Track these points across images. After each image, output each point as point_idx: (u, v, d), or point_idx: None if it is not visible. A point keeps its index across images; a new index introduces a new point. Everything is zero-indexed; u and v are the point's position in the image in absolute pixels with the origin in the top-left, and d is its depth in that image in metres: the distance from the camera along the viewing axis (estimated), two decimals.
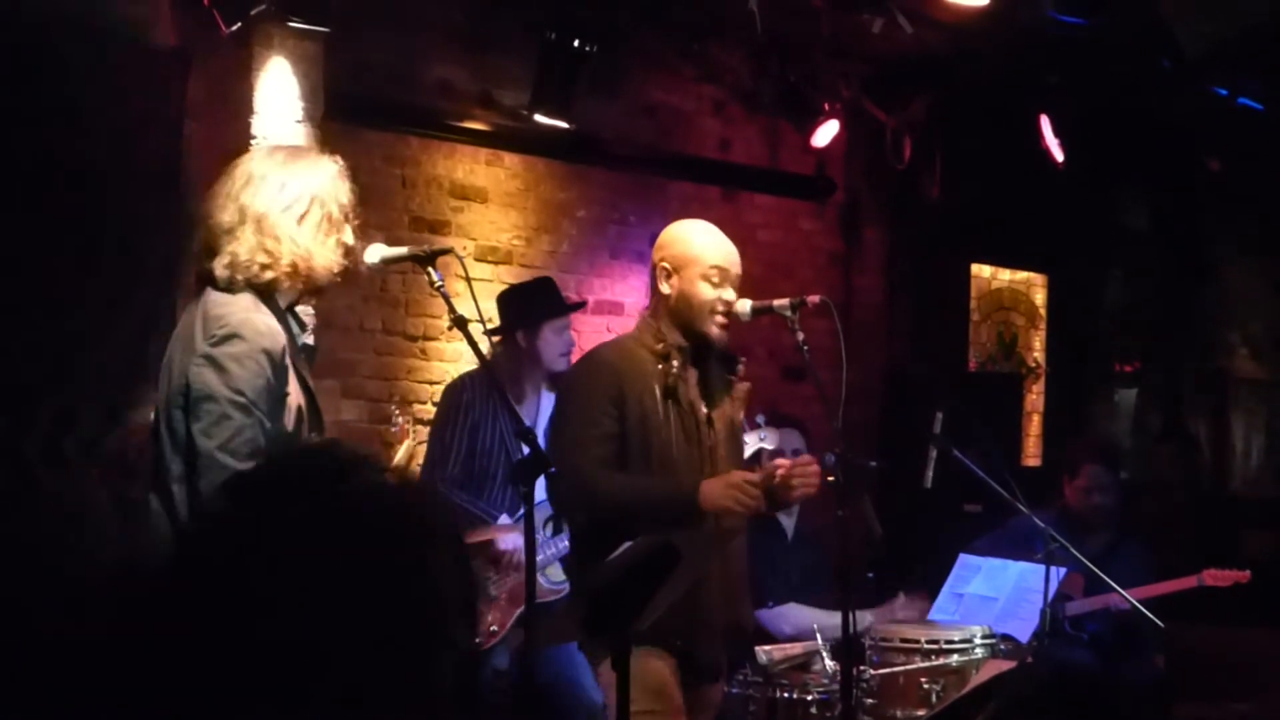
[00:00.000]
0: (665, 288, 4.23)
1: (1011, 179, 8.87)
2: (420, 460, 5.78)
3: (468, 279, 3.93)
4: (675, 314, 4.21)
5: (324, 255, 3.50)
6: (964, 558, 5.85)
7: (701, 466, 4.16)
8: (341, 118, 6.34)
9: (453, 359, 6.96)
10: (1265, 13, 5.95)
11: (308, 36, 6.06)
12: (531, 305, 5.84)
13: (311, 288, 3.55)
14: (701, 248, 4.26)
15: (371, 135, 6.85)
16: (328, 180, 3.52)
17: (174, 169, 6.05)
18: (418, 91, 7.03)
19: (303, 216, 3.44)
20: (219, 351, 3.30)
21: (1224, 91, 7.80)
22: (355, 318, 6.79)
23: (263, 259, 3.40)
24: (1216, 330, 10.47)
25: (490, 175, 7.35)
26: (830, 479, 4.38)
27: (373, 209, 6.84)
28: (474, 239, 7.24)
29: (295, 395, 3.44)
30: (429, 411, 6.52)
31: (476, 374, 5.64)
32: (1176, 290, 10.42)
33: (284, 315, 3.48)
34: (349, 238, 3.56)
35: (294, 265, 3.44)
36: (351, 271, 3.66)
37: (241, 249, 3.39)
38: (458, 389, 5.73)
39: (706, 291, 4.20)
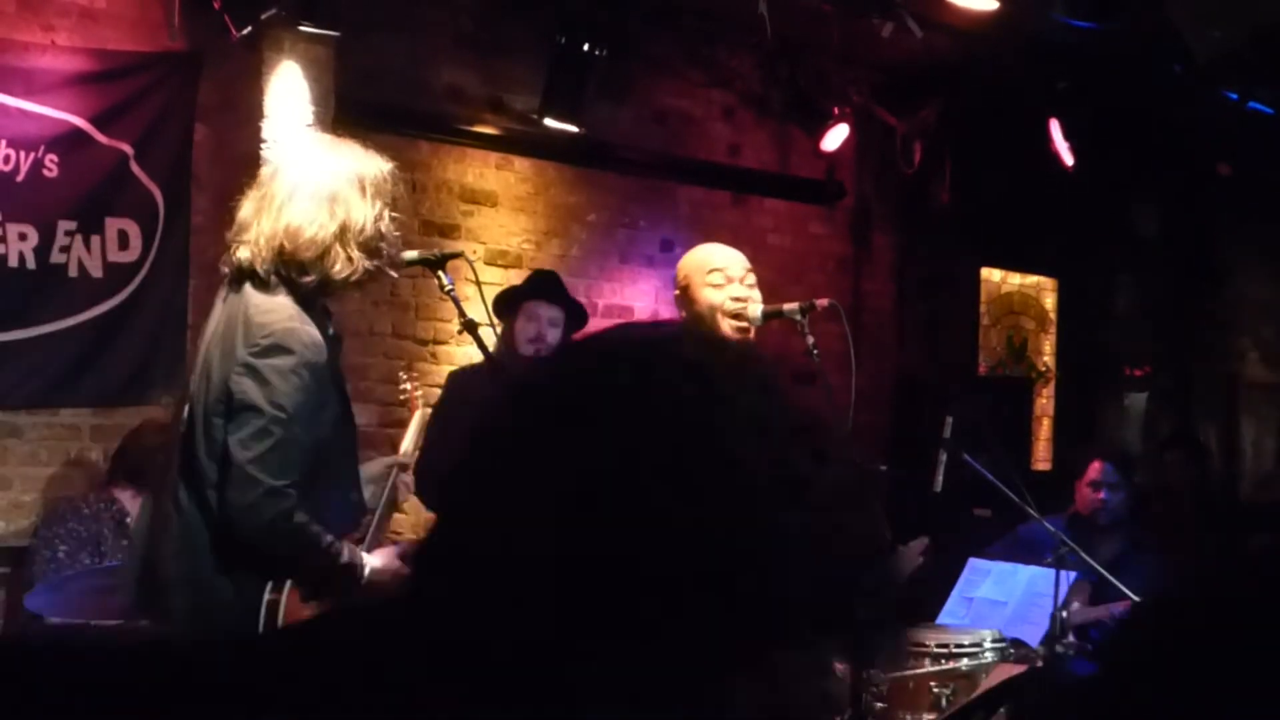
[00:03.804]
0: (682, 311, 4.22)
1: (1021, 183, 8.86)
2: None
3: (478, 283, 3.94)
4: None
5: (402, 259, 3.51)
6: (973, 562, 5.84)
7: None
8: (351, 122, 6.34)
9: (462, 363, 6.97)
10: (1275, 17, 5.94)
11: (318, 41, 6.08)
12: (510, 291, 5.79)
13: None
14: (699, 258, 4.25)
15: (381, 139, 6.79)
16: (393, 180, 3.49)
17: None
18: (428, 96, 7.04)
19: (390, 224, 3.42)
20: (263, 363, 3.26)
21: (1234, 96, 7.78)
22: (365, 322, 6.80)
23: (363, 275, 3.38)
24: (1227, 335, 10.45)
25: (500, 179, 7.37)
26: None
27: None
28: (484, 243, 7.25)
29: (332, 405, 3.43)
30: None
31: (479, 366, 5.60)
32: (1187, 295, 10.41)
33: (320, 316, 3.44)
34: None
35: (388, 270, 3.45)
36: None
37: (339, 264, 3.34)
38: (460, 377, 5.72)
39: (712, 295, 4.19)
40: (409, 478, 3.91)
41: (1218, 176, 8.92)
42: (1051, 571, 5.28)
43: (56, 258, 5.78)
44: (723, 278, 4.20)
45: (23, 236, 5.68)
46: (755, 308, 4.27)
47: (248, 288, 3.37)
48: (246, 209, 3.43)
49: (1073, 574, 5.47)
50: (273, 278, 3.35)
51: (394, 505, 3.84)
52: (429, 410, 4.67)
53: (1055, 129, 8.25)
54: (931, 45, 7.44)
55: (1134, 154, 9.16)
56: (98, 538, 5.10)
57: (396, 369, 6.93)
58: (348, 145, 3.57)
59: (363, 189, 3.39)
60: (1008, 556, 5.89)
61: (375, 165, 3.48)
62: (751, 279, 4.25)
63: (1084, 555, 5.38)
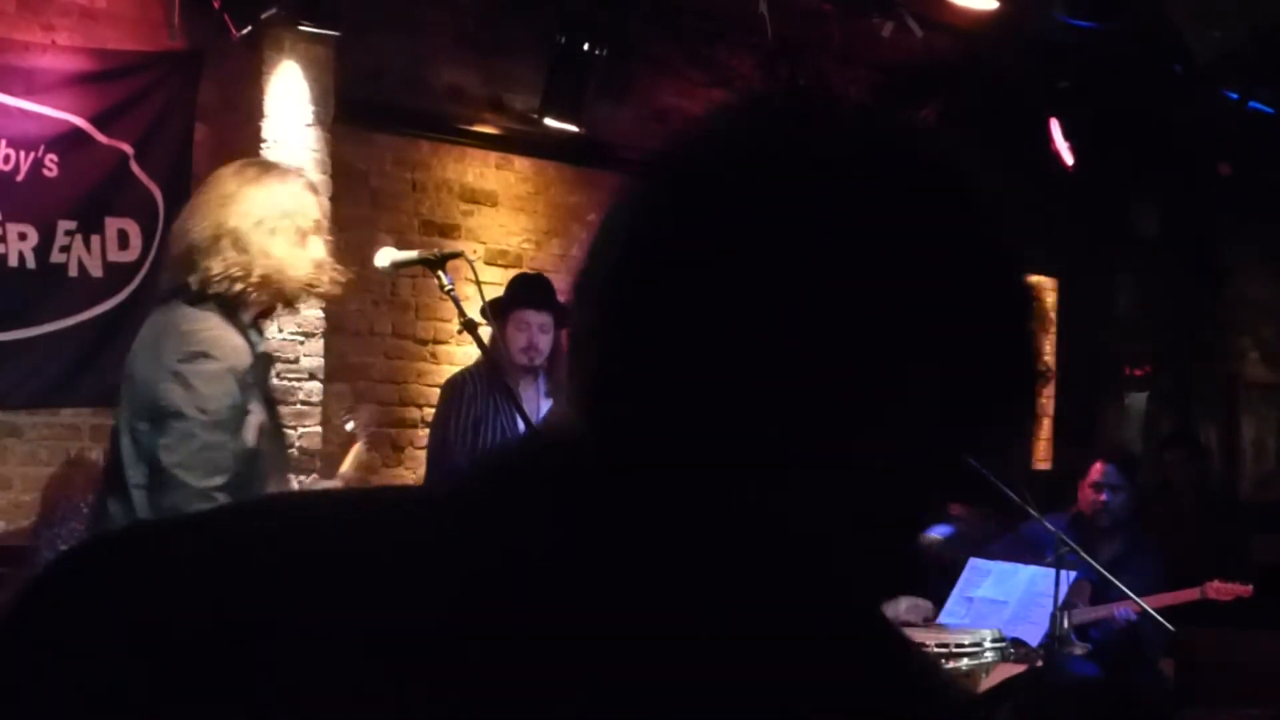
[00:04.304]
0: None
1: (1022, 183, 8.86)
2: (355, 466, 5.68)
3: (478, 282, 3.95)
4: None
5: (296, 269, 3.56)
6: (974, 561, 5.84)
7: None
8: (352, 121, 6.36)
9: (463, 362, 6.96)
10: (1275, 17, 5.94)
11: (318, 40, 6.07)
12: (501, 299, 5.77)
13: (284, 300, 3.61)
14: None
15: (382, 139, 6.87)
16: (295, 195, 3.60)
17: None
18: (428, 95, 7.04)
19: (274, 231, 3.50)
20: (188, 369, 3.35)
21: (1235, 96, 7.79)
22: (365, 322, 6.80)
23: (236, 272, 3.46)
24: (1227, 335, 10.46)
25: (500, 179, 7.37)
26: None
27: (383, 212, 6.87)
28: (484, 242, 7.25)
29: (257, 413, 3.50)
30: None
31: (478, 368, 5.59)
32: (1187, 295, 10.41)
33: (246, 329, 3.54)
34: (318, 251, 3.60)
35: (265, 279, 3.50)
36: (329, 287, 3.70)
37: (216, 264, 3.45)
38: (459, 383, 5.68)
39: None
40: None
41: (1218, 176, 8.93)
42: (1051, 571, 5.28)
43: (56, 257, 5.77)
44: None
45: (23, 236, 5.68)
46: None
47: (175, 301, 3.48)
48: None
49: (1073, 574, 5.47)
50: (194, 289, 3.46)
51: None
52: (368, 450, 4.64)
53: (1055, 129, 8.25)
54: (932, 45, 7.44)
55: (1134, 154, 9.16)
56: None
57: (397, 369, 6.95)
58: (256, 163, 3.69)
59: (252, 200, 3.50)
60: (1008, 556, 5.89)
61: (271, 178, 3.61)
62: None
63: (1084, 555, 5.38)
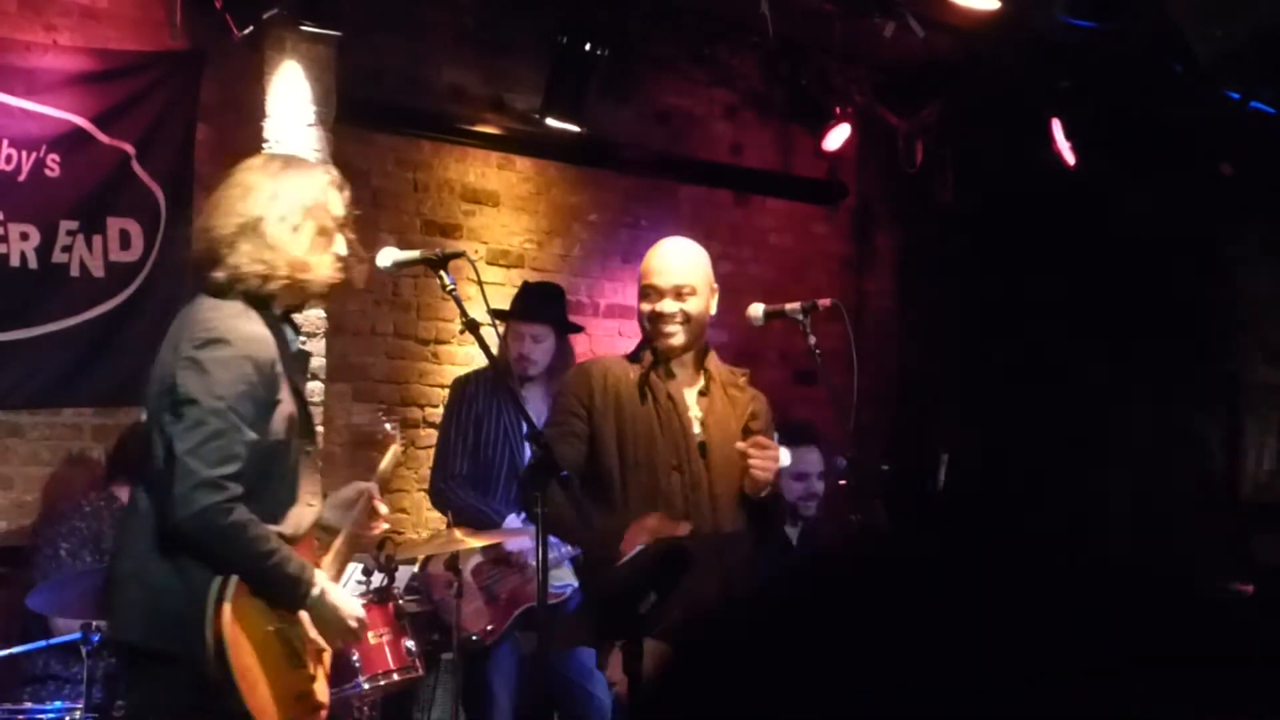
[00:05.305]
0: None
1: (1023, 183, 8.86)
2: (417, 463, 5.76)
3: (479, 282, 3.95)
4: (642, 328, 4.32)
5: (319, 265, 3.54)
6: None
7: (679, 461, 4.19)
8: (353, 121, 6.36)
9: (464, 362, 6.97)
10: (1276, 17, 5.93)
11: (320, 40, 6.07)
12: (512, 304, 5.87)
13: (308, 296, 3.60)
14: (643, 265, 4.35)
15: (383, 139, 6.87)
16: (320, 190, 3.59)
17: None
18: (430, 95, 7.04)
19: (297, 227, 3.49)
20: (203, 355, 3.35)
21: (1236, 95, 7.78)
22: (367, 321, 6.80)
23: (260, 269, 3.46)
24: (1229, 334, 10.44)
25: (502, 179, 7.36)
26: (842, 482, 4.37)
27: (385, 212, 6.87)
28: (485, 242, 7.25)
29: (287, 404, 3.48)
30: (440, 414, 6.52)
31: (484, 369, 5.69)
32: (1187, 294, 10.39)
33: (277, 322, 3.53)
34: (341, 248, 3.61)
35: (290, 275, 3.50)
36: (346, 280, 3.69)
37: (241, 259, 3.45)
38: (462, 382, 5.80)
39: (643, 306, 4.27)
40: (378, 503, 3.91)
41: (1219, 176, 8.91)
42: None
43: (58, 257, 5.77)
44: (652, 290, 4.24)
45: (24, 236, 5.68)
46: (757, 308, 4.37)
47: (199, 295, 3.50)
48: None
49: None
50: (218, 283, 3.47)
51: (365, 526, 3.84)
52: (404, 449, 4.69)
53: (1057, 128, 8.24)
54: (933, 45, 7.44)
55: (1136, 154, 9.14)
56: (98, 536, 5.09)
57: (398, 369, 6.95)
58: (281, 156, 3.67)
59: (274, 195, 3.51)
60: None
61: (301, 175, 3.62)
62: (690, 287, 4.24)
63: None
